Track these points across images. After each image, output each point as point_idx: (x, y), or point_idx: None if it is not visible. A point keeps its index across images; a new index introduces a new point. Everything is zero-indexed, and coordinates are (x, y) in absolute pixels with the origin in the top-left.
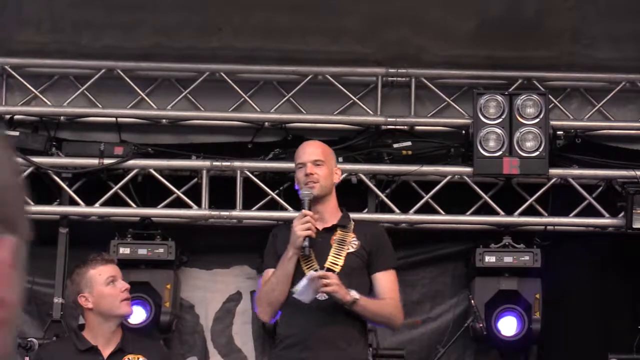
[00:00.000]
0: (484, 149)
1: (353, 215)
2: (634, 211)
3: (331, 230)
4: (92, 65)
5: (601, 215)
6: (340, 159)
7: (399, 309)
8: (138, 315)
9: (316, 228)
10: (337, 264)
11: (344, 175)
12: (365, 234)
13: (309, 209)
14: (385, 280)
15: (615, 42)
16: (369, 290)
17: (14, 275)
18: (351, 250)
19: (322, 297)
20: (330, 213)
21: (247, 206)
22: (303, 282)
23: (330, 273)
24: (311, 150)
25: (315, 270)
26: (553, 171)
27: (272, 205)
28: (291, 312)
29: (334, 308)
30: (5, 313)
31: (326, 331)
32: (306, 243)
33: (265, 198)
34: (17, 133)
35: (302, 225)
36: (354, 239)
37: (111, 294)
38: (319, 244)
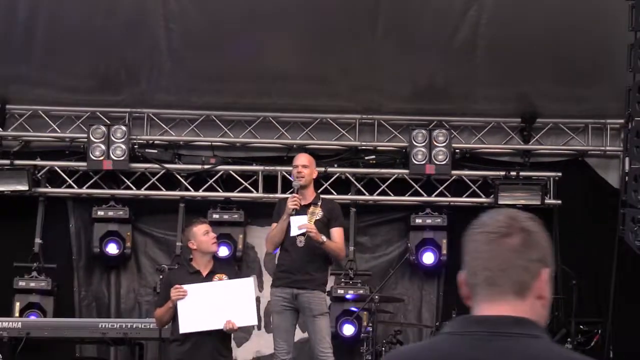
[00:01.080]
0: (415, 160)
1: (326, 197)
2: (499, 194)
3: (308, 205)
4: (198, 113)
5: (480, 196)
6: (335, 165)
7: (342, 249)
8: (224, 251)
9: (300, 204)
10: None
11: (336, 175)
12: (327, 208)
13: (297, 193)
14: (336, 233)
15: (489, 100)
16: (327, 233)
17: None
18: (317, 218)
19: (301, 243)
20: (309, 195)
21: (282, 192)
22: (301, 221)
23: (312, 226)
24: (302, 158)
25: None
26: (453, 172)
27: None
28: (285, 251)
29: (307, 251)
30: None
31: (302, 263)
32: (293, 212)
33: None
34: (155, 150)
35: (292, 202)
36: (320, 211)
37: (207, 240)
38: (301, 214)
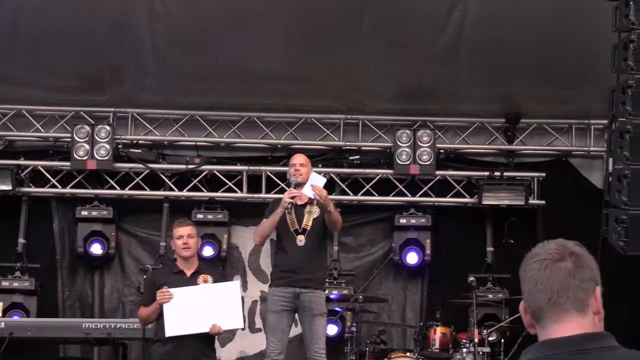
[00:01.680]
0: (400, 160)
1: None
2: (483, 194)
3: (304, 205)
4: (182, 113)
5: (464, 197)
6: (320, 165)
7: (340, 221)
8: (209, 251)
9: (296, 203)
10: (308, 224)
11: (320, 175)
12: (322, 206)
13: (294, 188)
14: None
15: (473, 100)
16: (324, 239)
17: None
18: (315, 216)
19: (301, 243)
20: (304, 196)
21: (267, 192)
22: (317, 182)
23: (324, 191)
24: (299, 157)
25: (300, 228)
26: (437, 172)
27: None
28: (283, 251)
29: (307, 250)
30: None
31: (303, 262)
32: (290, 207)
33: (277, 187)
34: (140, 150)
35: (288, 196)
36: (317, 209)
37: (178, 245)
38: (298, 212)
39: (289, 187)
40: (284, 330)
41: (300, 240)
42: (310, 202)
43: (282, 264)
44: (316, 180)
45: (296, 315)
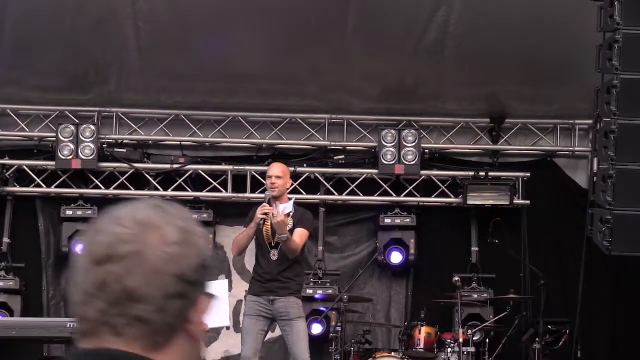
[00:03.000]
0: (385, 160)
1: (299, 205)
2: (468, 194)
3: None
4: (167, 112)
5: (449, 197)
6: (305, 165)
7: (297, 248)
8: None
9: (270, 214)
10: (282, 236)
11: (305, 175)
12: (296, 216)
13: (269, 203)
14: (298, 232)
15: (458, 100)
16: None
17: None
18: (290, 228)
19: (274, 257)
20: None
21: (252, 192)
22: (288, 207)
23: (288, 220)
24: (276, 169)
25: (273, 241)
26: (422, 172)
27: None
28: (258, 263)
29: (280, 262)
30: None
31: (276, 273)
32: (262, 222)
33: (262, 187)
34: (124, 150)
35: (261, 212)
36: (291, 221)
37: None
38: (274, 226)
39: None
40: (257, 334)
41: (274, 254)
42: (286, 214)
43: (257, 274)
44: (285, 209)
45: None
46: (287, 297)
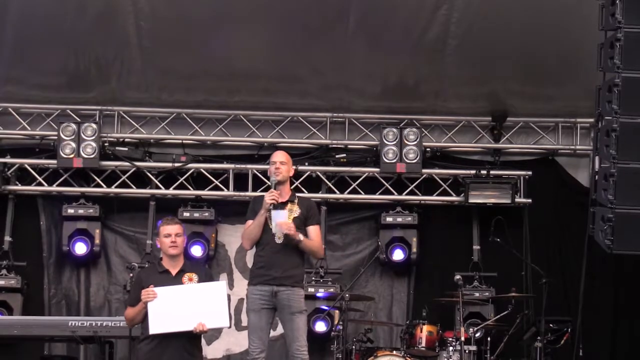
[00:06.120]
0: (386, 158)
1: (301, 195)
2: (469, 192)
3: (285, 203)
4: (169, 111)
5: (450, 195)
6: (306, 164)
7: (320, 247)
8: (197, 250)
9: (277, 201)
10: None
11: (307, 173)
12: (304, 206)
13: (275, 189)
14: (314, 231)
15: (459, 99)
16: (304, 230)
17: None
18: (295, 215)
19: (279, 241)
20: (286, 193)
21: (253, 190)
22: (280, 217)
23: (291, 222)
24: (279, 155)
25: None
26: (424, 171)
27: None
28: (262, 248)
29: (285, 247)
30: None
31: (281, 260)
32: (271, 207)
33: (263, 185)
34: (126, 148)
35: (269, 198)
36: (298, 209)
37: (165, 243)
38: (278, 209)
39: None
40: (263, 328)
41: (279, 237)
42: (291, 200)
43: (259, 262)
44: (278, 216)
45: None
46: (292, 289)
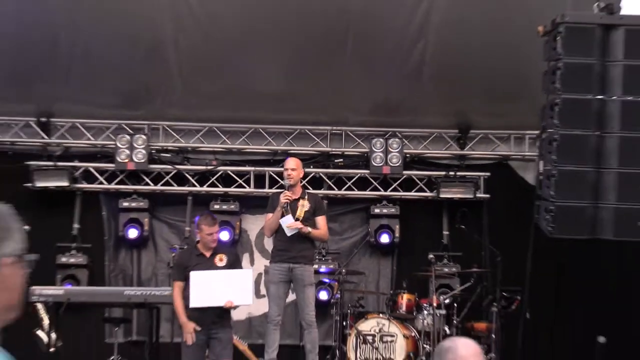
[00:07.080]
0: (374, 162)
1: (310, 191)
2: (440, 189)
3: (297, 200)
4: (202, 125)
5: (425, 191)
6: (311, 167)
7: (325, 233)
8: (225, 235)
9: (291, 199)
10: (301, 215)
11: (311, 174)
12: (313, 200)
13: (288, 190)
14: (321, 221)
15: (432, 115)
16: (314, 225)
17: None
18: (306, 209)
19: (293, 232)
20: (297, 191)
21: (270, 187)
22: (288, 221)
23: (298, 222)
24: (291, 162)
25: (294, 219)
26: (404, 172)
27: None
28: (280, 236)
29: (298, 235)
30: None
31: (295, 244)
32: (286, 205)
33: (278, 184)
34: (169, 154)
35: (284, 198)
36: (307, 203)
37: (209, 240)
38: (292, 206)
39: (284, 187)
40: (281, 297)
41: (288, 233)
42: (302, 196)
43: (278, 245)
44: (285, 221)
45: (291, 285)
46: (304, 266)
